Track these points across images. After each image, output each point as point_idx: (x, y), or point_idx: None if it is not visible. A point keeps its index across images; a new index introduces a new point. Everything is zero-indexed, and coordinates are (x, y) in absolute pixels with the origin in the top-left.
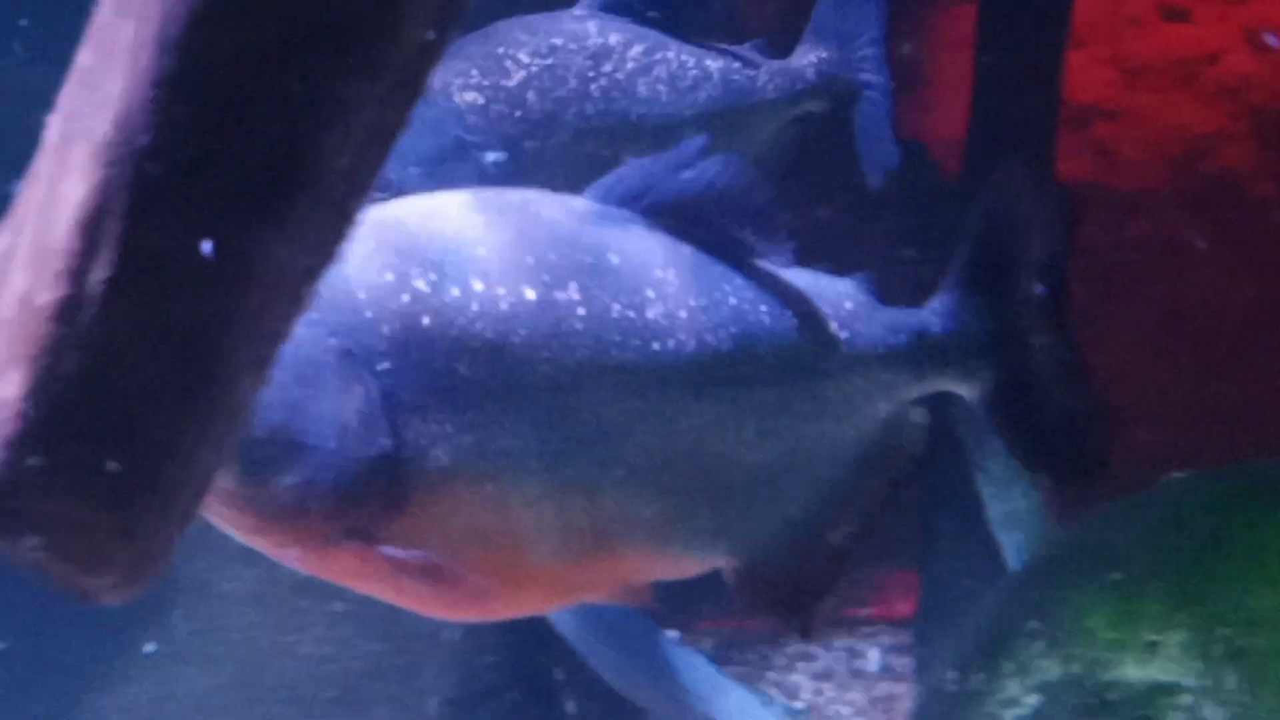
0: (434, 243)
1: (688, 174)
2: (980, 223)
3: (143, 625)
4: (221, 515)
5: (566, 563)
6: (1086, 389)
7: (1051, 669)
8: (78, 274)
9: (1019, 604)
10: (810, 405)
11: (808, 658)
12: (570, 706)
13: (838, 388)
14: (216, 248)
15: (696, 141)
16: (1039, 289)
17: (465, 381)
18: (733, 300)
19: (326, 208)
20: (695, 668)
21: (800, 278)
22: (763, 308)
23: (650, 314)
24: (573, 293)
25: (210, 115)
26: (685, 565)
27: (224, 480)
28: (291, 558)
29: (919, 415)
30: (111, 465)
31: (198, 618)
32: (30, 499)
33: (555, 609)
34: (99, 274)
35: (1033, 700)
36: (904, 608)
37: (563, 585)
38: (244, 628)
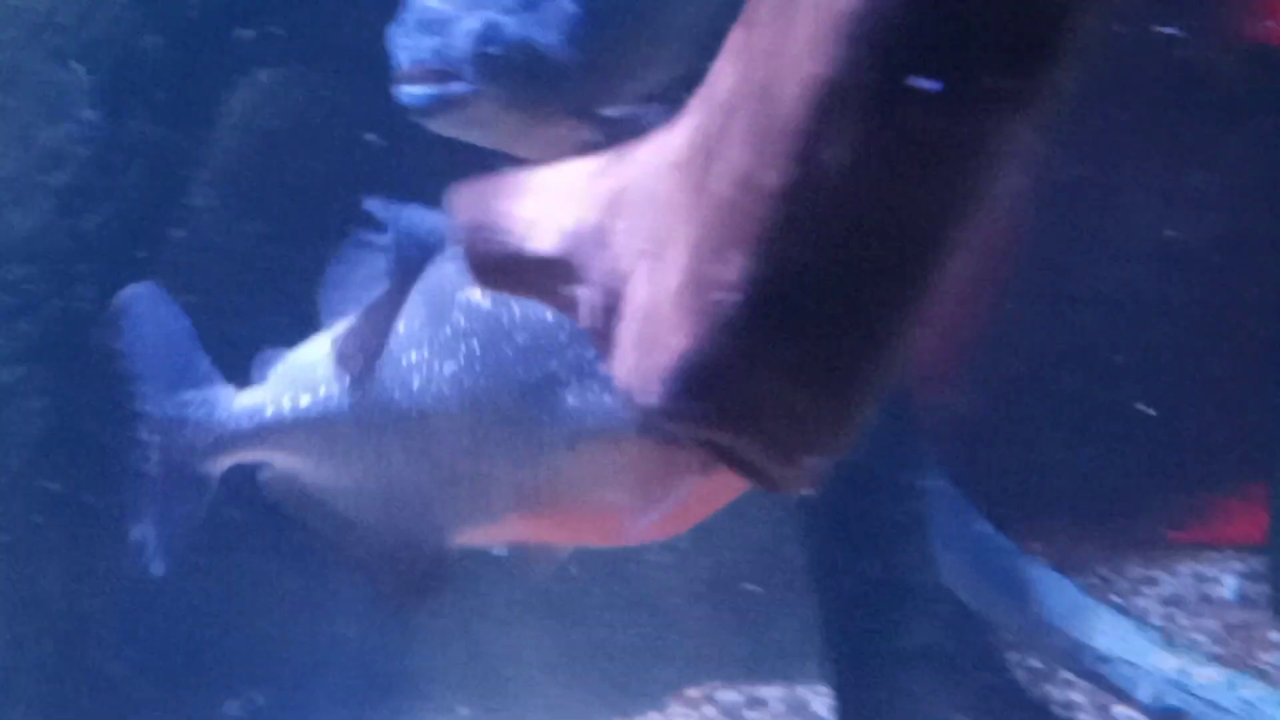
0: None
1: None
2: None
3: None
4: None
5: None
6: None
7: None
8: (809, 155)
9: None
10: None
11: (1152, 582)
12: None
13: None
14: (962, 131)
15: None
16: None
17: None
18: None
19: (1065, 76)
20: (1060, 590)
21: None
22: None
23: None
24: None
25: None
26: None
27: None
28: None
29: None
30: (831, 351)
31: None
32: (746, 384)
33: None
34: (833, 156)
35: None
36: (1242, 531)
37: None
38: None
